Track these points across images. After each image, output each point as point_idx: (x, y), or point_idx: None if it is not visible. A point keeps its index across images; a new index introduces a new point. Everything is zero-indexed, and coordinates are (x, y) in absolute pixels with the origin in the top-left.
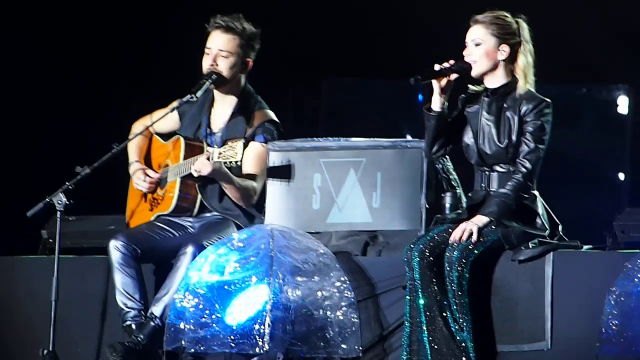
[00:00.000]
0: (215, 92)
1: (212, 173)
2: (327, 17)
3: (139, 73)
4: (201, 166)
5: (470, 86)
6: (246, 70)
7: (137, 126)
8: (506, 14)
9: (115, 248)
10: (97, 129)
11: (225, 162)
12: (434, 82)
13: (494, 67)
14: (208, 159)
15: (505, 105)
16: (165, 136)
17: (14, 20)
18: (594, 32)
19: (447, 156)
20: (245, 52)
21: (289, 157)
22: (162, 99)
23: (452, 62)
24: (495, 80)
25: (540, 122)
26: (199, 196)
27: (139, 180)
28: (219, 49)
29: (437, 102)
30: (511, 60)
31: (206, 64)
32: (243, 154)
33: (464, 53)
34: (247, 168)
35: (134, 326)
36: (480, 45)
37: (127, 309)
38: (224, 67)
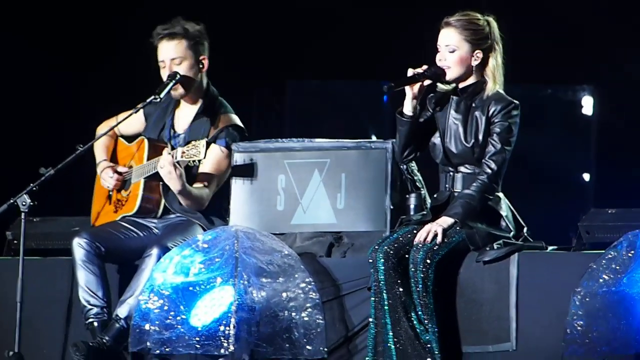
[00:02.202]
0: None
1: (168, 176)
2: (291, 18)
3: (105, 70)
4: (164, 162)
5: (439, 84)
6: (204, 69)
7: (103, 128)
8: (478, 16)
9: (79, 245)
10: (61, 131)
11: (188, 161)
12: (407, 88)
13: (468, 71)
14: (171, 155)
15: (473, 104)
16: (131, 138)
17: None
18: (559, 32)
19: None
20: (197, 50)
21: (252, 157)
22: (127, 99)
23: (425, 67)
24: (466, 80)
25: (508, 123)
26: (163, 198)
27: (107, 176)
28: (171, 58)
29: (409, 107)
30: (483, 61)
31: (165, 76)
32: (206, 154)
33: (437, 57)
34: (203, 168)
35: (96, 324)
36: (454, 52)
37: (89, 306)
38: (182, 72)
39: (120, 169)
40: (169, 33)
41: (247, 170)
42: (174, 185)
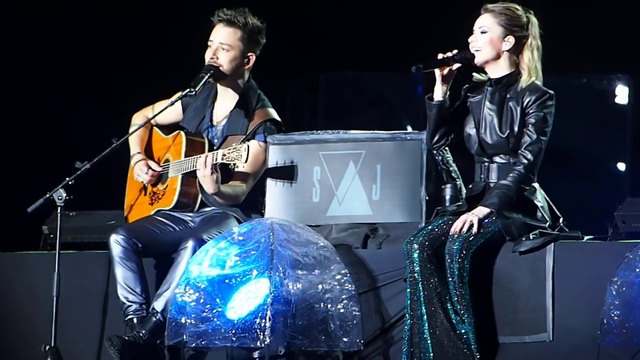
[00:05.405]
0: (218, 86)
1: (203, 179)
2: (325, 10)
3: (139, 64)
4: (200, 166)
5: (474, 74)
6: (248, 65)
7: (138, 118)
8: (517, 7)
9: (116, 242)
10: (96, 123)
11: (229, 164)
12: (436, 71)
13: (497, 57)
14: (211, 158)
15: (508, 95)
16: (166, 127)
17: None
18: (595, 21)
19: (446, 148)
20: (247, 46)
21: (288, 150)
22: (162, 91)
23: (455, 51)
24: (499, 70)
25: (543, 113)
26: (200, 193)
27: (141, 172)
28: (220, 42)
29: (438, 92)
30: (516, 52)
31: (207, 57)
32: (247, 158)
33: (469, 39)
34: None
35: (135, 320)
36: (486, 33)
37: (128, 303)
38: (224, 60)
39: (154, 165)
40: (229, 20)
41: (286, 169)
42: (208, 188)
